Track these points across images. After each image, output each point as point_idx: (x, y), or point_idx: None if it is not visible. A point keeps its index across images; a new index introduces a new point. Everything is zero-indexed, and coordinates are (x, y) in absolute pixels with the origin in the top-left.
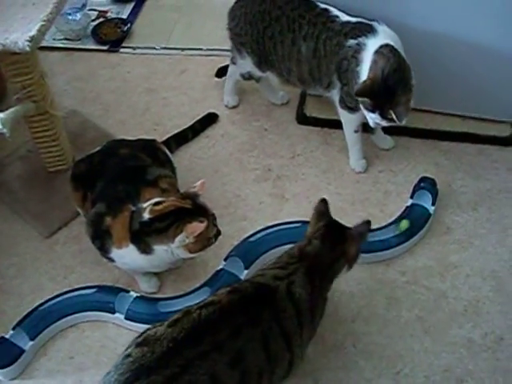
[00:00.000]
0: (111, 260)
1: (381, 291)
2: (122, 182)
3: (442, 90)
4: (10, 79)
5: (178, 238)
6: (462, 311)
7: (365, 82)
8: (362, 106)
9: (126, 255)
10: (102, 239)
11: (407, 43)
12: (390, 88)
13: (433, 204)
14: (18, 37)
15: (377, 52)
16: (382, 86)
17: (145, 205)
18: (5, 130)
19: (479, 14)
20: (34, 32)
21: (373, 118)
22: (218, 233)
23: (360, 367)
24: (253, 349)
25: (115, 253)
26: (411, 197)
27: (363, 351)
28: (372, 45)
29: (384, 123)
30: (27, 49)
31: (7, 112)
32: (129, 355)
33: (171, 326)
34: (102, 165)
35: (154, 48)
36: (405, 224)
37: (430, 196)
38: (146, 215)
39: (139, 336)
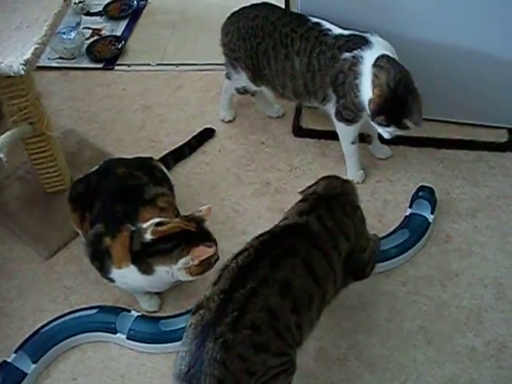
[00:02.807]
0: (111, 280)
1: (382, 302)
2: (120, 201)
3: (438, 98)
4: (5, 102)
5: (182, 260)
6: (464, 320)
7: (374, 100)
8: (375, 124)
9: (127, 275)
10: (101, 259)
11: (403, 52)
12: (400, 99)
13: (432, 213)
14: (13, 60)
15: (375, 65)
16: (392, 100)
17: (145, 225)
18: (1, 155)
19: (474, 21)
20: (28, 55)
21: (389, 132)
22: (217, 258)
23: (364, 380)
24: (297, 275)
25: (115, 273)
26: (410, 206)
27: (366, 363)
28: (368, 57)
29: (399, 132)
30: (22, 72)
31: (3, 136)
32: (190, 325)
33: (216, 284)
34: (99, 185)
35: (149, 64)
36: None
37: (428, 205)
38: (148, 236)
39: (193, 308)
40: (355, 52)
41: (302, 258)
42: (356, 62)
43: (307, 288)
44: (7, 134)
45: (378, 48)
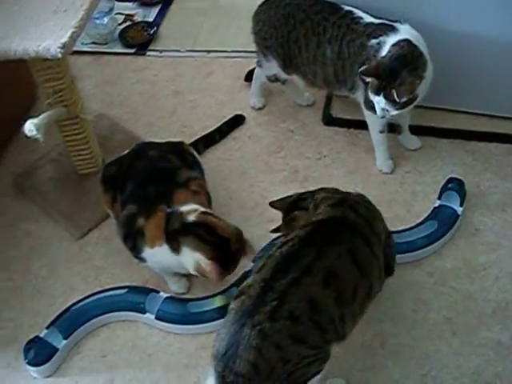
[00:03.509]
0: (142, 260)
1: (408, 292)
2: (153, 183)
3: (469, 89)
4: (41, 85)
5: (199, 255)
6: (490, 313)
7: (373, 62)
8: (369, 91)
9: (158, 254)
10: (134, 239)
11: (436, 43)
12: (394, 69)
13: (461, 205)
14: (51, 44)
15: (393, 45)
16: (387, 67)
17: (185, 208)
18: (39, 135)
19: (507, 13)
20: (65, 39)
21: (378, 102)
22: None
23: (388, 368)
24: (342, 265)
25: (147, 252)
26: (439, 198)
27: (391, 352)
28: (391, 41)
29: (388, 107)
30: (59, 55)
31: (40, 117)
32: (231, 309)
33: (259, 272)
34: (131, 167)
35: (180, 51)
36: (219, 301)
37: (458, 197)
38: (192, 218)
39: (236, 293)
40: (380, 38)
41: (347, 247)
42: (379, 47)
43: (352, 278)
44: (43, 115)
45: (402, 34)
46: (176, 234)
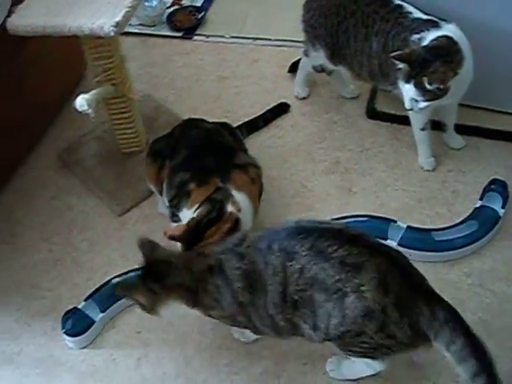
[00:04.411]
0: (178, 219)
1: (444, 291)
2: (210, 155)
3: None
4: (91, 62)
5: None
6: None
7: (407, 50)
8: (400, 78)
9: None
10: (179, 199)
11: (483, 44)
12: (428, 58)
13: (503, 207)
14: (104, 22)
15: (432, 40)
16: (421, 54)
17: (235, 195)
18: (89, 111)
19: None
20: (119, 18)
21: (407, 91)
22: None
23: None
24: None
25: (184, 213)
26: (480, 198)
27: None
28: (431, 37)
29: (417, 97)
30: (112, 34)
31: (91, 93)
32: None
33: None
34: (184, 135)
35: (227, 36)
36: None
37: (500, 198)
38: (228, 209)
39: None
40: (422, 34)
41: None
42: (420, 43)
43: None
44: (93, 92)
45: (444, 31)
46: (210, 211)
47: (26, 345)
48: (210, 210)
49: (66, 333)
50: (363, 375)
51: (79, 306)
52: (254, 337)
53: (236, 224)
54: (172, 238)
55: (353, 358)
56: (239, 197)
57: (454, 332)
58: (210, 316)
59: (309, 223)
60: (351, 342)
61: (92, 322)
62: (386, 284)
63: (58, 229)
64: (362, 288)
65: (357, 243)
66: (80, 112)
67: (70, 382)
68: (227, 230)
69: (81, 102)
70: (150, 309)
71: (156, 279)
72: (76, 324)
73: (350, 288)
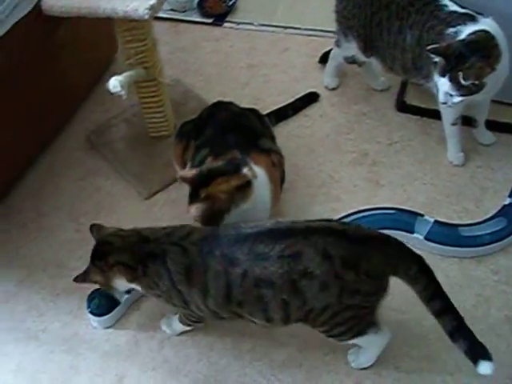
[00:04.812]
0: None
1: (470, 288)
2: (233, 134)
3: None
4: (124, 45)
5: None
6: None
7: (443, 43)
8: (435, 72)
9: None
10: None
11: None
12: (465, 53)
13: None
14: (139, 5)
15: (469, 34)
16: (457, 49)
17: (254, 167)
18: (123, 92)
19: None
20: (153, 1)
21: (442, 85)
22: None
23: (442, 360)
24: None
25: None
26: (510, 196)
27: (447, 345)
28: (467, 31)
29: (451, 91)
30: (146, 17)
31: (124, 75)
32: None
33: None
34: (211, 115)
35: (254, 24)
36: None
37: None
38: (247, 172)
39: None
40: (458, 27)
41: None
42: (456, 36)
43: None
44: (126, 74)
45: (481, 25)
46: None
47: (51, 322)
48: (226, 164)
49: (91, 312)
50: (378, 354)
51: None
52: (180, 330)
53: (246, 186)
54: (183, 179)
55: (354, 341)
56: (257, 170)
57: (407, 262)
58: (148, 294)
59: (245, 228)
60: (326, 322)
61: (117, 303)
62: (328, 255)
63: (85, 209)
64: (309, 270)
65: (290, 235)
66: (112, 93)
67: (94, 361)
68: (236, 186)
69: (114, 83)
70: (106, 285)
71: (100, 257)
72: (101, 304)
73: (298, 275)
